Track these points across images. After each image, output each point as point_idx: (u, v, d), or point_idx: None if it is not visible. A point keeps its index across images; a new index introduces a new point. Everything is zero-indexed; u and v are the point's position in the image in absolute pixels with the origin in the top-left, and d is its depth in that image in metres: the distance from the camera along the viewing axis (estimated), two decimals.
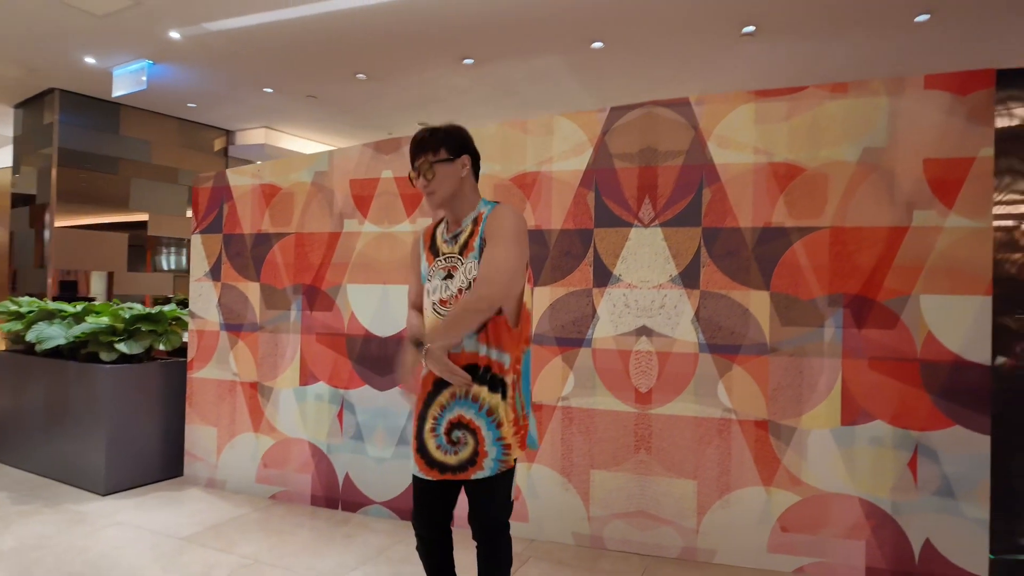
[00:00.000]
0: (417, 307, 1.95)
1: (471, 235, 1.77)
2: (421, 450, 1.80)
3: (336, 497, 3.32)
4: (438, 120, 2.10)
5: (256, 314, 3.54)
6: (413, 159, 1.82)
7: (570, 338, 2.94)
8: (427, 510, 1.85)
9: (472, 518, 1.82)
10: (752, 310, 2.74)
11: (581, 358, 2.93)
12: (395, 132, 6.01)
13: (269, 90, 4.72)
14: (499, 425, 1.74)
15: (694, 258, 2.80)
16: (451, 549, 1.92)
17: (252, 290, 3.56)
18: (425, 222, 3.18)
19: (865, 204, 2.63)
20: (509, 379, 1.76)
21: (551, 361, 2.96)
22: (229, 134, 6.34)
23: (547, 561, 2.74)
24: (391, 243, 3.25)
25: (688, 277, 2.80)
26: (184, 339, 3.90)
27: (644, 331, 2.85)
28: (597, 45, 3.85)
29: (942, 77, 2.57)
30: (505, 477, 1.79)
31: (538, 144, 3.01)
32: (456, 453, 1.75)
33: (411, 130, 6.17)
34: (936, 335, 2.55)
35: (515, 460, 1.80)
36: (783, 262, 2.71)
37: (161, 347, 3.76)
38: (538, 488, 2.98)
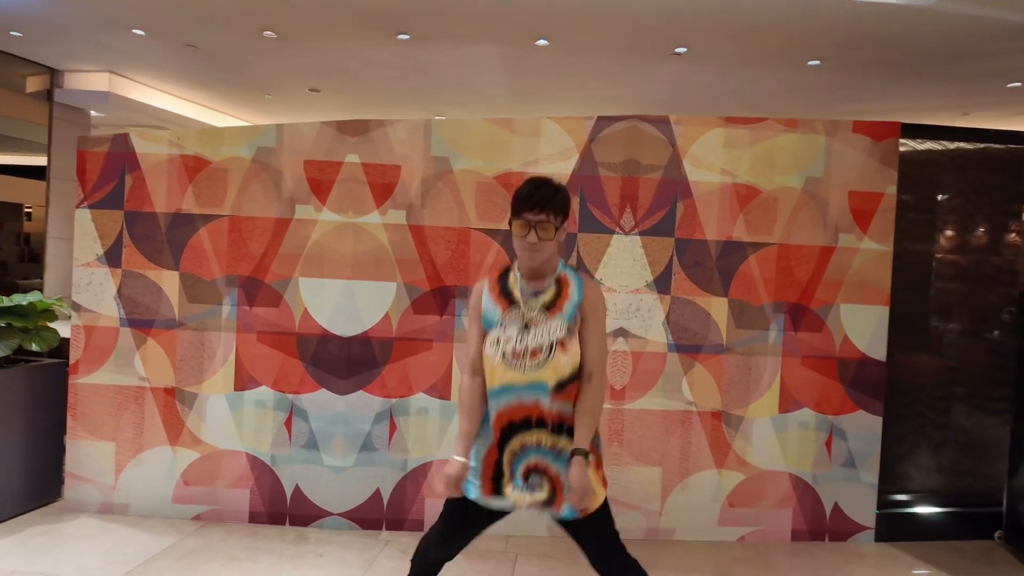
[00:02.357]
0: (477, 370, 1.86)
1: (558, 296, 1.80)
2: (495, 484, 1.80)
3: (283, 512, 3.02)
4: (331, 89, 2.03)
5: (174, 308, 3.02)
6: (531, 211, 1.73)
7: None
8: (456, 541, 1.88)
9: (593, 561, 1.85)
10: (713, 314, 3.07)
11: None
12: (274, 94, 5.37)
13: (140, 32, 3.87)
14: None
15: (667, 266, 3.04)
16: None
17: (168, 280, 3.02)
18: (398, 213, 2.99)
19: (805, 225, 3.09)
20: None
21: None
22: (54, 74, 5.04)
23: (534, 556, 2.83)
24: (356, 235, 2.99)
25: (661, 283, 3.04)
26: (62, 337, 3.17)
27: (621, 332, 3.03)
28: (542, 42, 3.88)
29: (865, 124, 3.11)
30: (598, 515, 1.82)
31: (525, 145, 3.00)
32: (533, 495, 1.77)
33: (294, 93, 5.57)
34: (850, 337, 3.12)
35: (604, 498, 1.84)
36: (740, 272, 3.07)
37: (34, 347, 3.02)
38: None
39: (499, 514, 1.85)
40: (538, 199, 1.74)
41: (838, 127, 3.09)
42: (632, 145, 3.01)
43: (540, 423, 1.76)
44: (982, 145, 3.39)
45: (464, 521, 1.86)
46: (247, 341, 3.00)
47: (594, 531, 1.82)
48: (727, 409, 3.08)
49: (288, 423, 3.00)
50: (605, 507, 1.82)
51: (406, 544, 2.87)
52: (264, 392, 3.00)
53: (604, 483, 1.84)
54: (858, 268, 3.11)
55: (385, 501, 3.01)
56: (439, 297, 3.00)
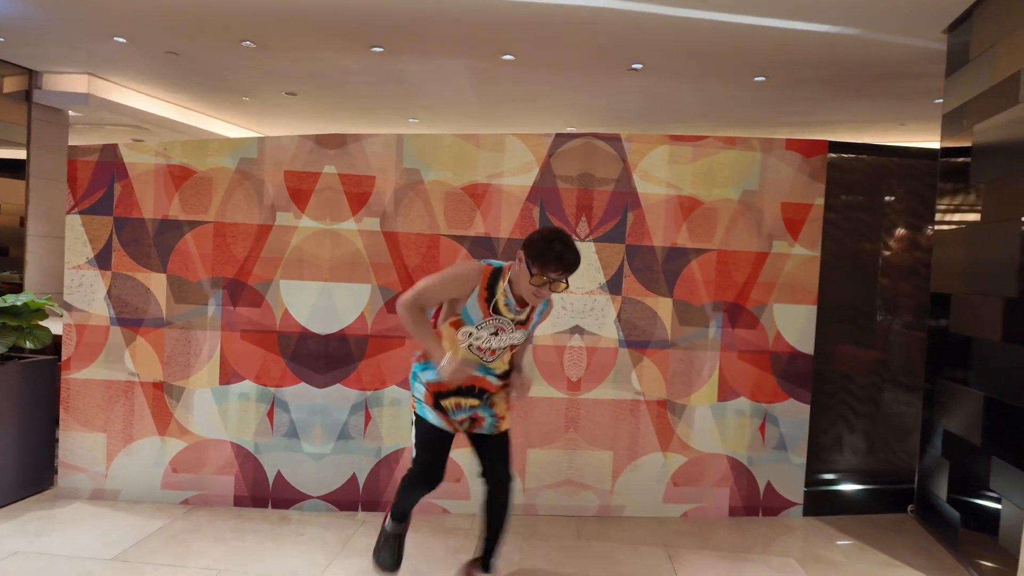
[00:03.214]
0: (423, 308, 2.26)
1: (528, 317, 2.27)
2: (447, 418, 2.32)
3: (265, 496, 3.27)
4: (307, 93, 2.35)
5: (161, 308, 3.24)
6: (556, 271, 2.08)
7: None
8: (445, 459, 2.34)
9: (487, 465, 2.42)
10: (659, 313, 3.40)
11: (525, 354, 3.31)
12: (252, 97, 5.54)
13: (121, 39, 4.00)
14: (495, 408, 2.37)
15: (618, 270, 3.36)
16: None
17: (156, 282, 3.24)
18: (372, 221, 3.24)
19: (742, 233, 3.42)
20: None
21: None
22: (33, 75, 5.11)
23: None
24: (334, 240, 3.24)
25: (613, 285, 3.36)
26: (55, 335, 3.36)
27: (577, 330, 3.34)
28: (508, 57, 4.15)
29: (796, 142, 3.46)
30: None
31: (490, 159, 3.27)
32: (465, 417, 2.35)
33: (272, 97, 5.73)
34: (782, 333, 3.47)
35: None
36: (683, 275, 3.40)
37: (28, 345, 3.21)
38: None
39: (451, 437, 2.35)
40: (567, 264, 2.09)
41: (772, 144, 3.43)
42: (587, 160, 3.31)
43: (480, 393, 2.28)
44: (904, 159, 3.76)
45: (441, 442, 2.32)
46: (231, 339, 3.23)
47: (500, 446, 2.36)
48: (671, 398, 3.41)
49: (270, 414, 3.25)
50: (508, 432, 2.39)
51: (379, 524, 3.15)
52: (247, 386, 3.24)
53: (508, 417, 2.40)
54: (789, 271, 3.46)
55: (361, 485, 3.28)
56: None
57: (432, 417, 2.28)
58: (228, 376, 3.24)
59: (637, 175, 3.34)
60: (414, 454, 2.35)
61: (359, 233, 3.24)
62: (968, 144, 3.18)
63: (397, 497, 2.39)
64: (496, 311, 2.18)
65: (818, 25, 3.63)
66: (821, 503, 3.56)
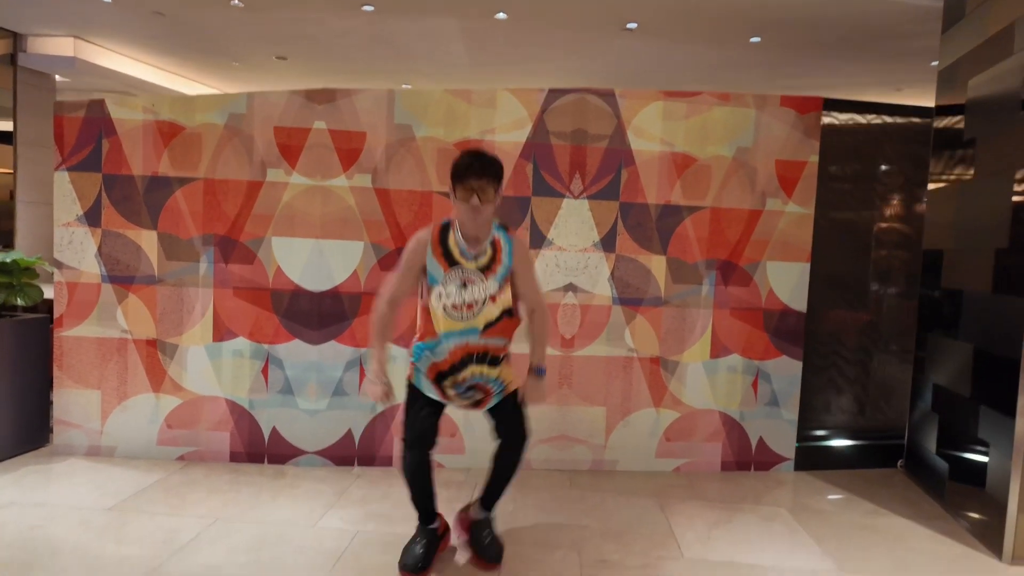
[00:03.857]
0: (394, 302, 2.28)
1: (493, 260, 2.19)
2: (441, 391, 2.26)
3: (261, 451, 3.29)
4: (297, 57, 2.32)
5: (153, 266, 3.22)
6: (473, 178, 2.07)
7: None
8: (431, 421, 2.29)
9: (499, 423, 2.37)
10: (653, 271, 3.40)
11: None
12: (241, 62, 5.45)
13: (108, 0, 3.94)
14: (499, 378, 2.29)
15: (612, 227, 3.35)
16: (432, 467, 2.35)
17: (147, 239, 3.22)
18: (363, 177, 3.22)
19: (735, 191, 3.42)
20: (508, 352, 2.33)
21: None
22: (18, 38, 5.01)
23: None
24: (324, 197, 3.22)
25: (607, 243, 3.35)
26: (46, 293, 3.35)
27: (571, 288, 3.35)
28: (501, 16, 4.09)
29: (791, 98, 3.43)
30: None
31: (482, 115, 3.24)
32: (471, 398, 2.28)
33: (261, 61, 5.66)
34: (775, 291, 3.49)
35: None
36: (677, 233, 3.40)
37: (19, 302, 3.19)
38: (474, 424, 3.34)
39: (443, 405, 2.32)
40: (479, 167, 2.07)
41: (766, 101, 3.41)
42: (580, 116, 3.29)
43: (478, 358, 2.20)
44: (899, 119, 3.75)
45: (432, 418, 2.29)
46: (224, 296, 3.23)
47: (512, 408, 2.32)
48: (664, 355, 3.44)
49: (264, 371, 3.26)
50: (518, 391, 2.34)
51: (376, 477, 3.19)
52: (241, 343, 3.24)
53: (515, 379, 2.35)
54: (783, 229, 3.46)
55: (356, 440, 3.30)
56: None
57: (427, 388, 2.25)
58: (221, 333, 3.24)
59: (631, 132, 3.32)
60: (405, 420, 2.30)
61: (350, 190, 3.22)
62: (962, 100, 3.16)
63: (406, 482, 2.31)
64: (453, 261, 2.15)
65: None
66: (812, 458, 3.61)
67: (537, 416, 3.35)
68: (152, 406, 3.26)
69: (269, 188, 3.20)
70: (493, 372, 2.23)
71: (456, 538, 2.52)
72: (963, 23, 3.21)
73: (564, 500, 3.02)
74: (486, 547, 2.37)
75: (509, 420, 2.32)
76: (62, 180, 3.18)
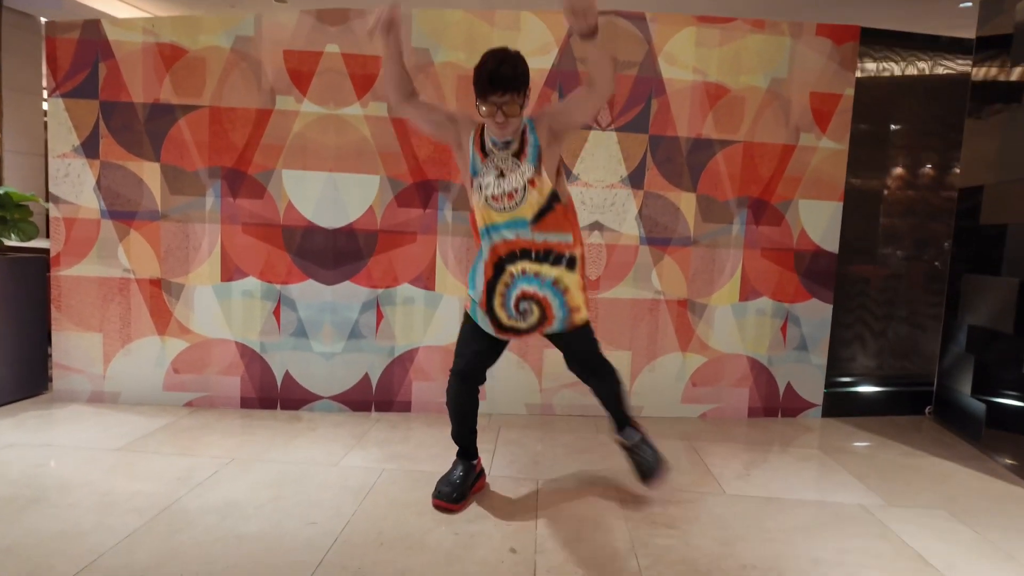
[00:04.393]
0: (412, 99, 2.14)
1: (522, 145, 2.01)
2: (494, 319, 2.07)
3: (274, 397, 3.15)
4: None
5: (156, 200, 3.04)
6: (494, 93, 1.88)
7: None
8: (481, 358, 2.15)
9: (570, 364, 2.18)
10: (682, 209, 3.25)
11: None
12: (239, 5, 5.17)
13: None
14: (565, 292, 2.02)
15: (640, 162, 3.19)
16: (478, 402, 2.24)
17: (149, 171, 3.02)
18: (379, 106, 3.03)
19: (769, 124, 3.26)
20: (575, 253, 2.05)
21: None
22: None
23: (514, 427, 3.04)
24: (338, 126, 3.03)
25: (635, 179, 3.19)
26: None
27: (597, 226, 3.20)
28: None
29: (827, 27, 3.26)
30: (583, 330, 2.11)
31: (504, 39, 3.05)
32: (525, 320, 2.06)
33: (258, 3, 5.37)
34: (807, 231, 3.35)
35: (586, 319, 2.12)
36: (708, 169, 3.24)
37: (13, 239, 3.00)
38: (495, 369, 3.20)
39: (496, 341, 2.15)
40: (501, 82, 1.87)
41: (802, 29, 3.24)
42: (609, 41, 3.10)
43: (524, 254, 2.01)
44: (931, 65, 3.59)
45: (484, 346, 2.14)
46: (232, 232, 3.05)
47: (579, 342, 2.13)
48: (692, 298, 3.30)
49: (276, 312, 3.10)
50: (588, 324, 2.15)
51: (395, 421, 3.05)
52: (251, 283, 3.08)
53: (588, 304, 2.12)
54: (816, 166, 3.32)
55: (374, 385, 3.16)
56: (422, 191, 3.09)
57: (481, 319, 2.10)
58: (230, 272, 3.07)
59: (662, 59, 3.14)
60: (456, 348, 2.18)
61: (365, 119, 3.04)
62: (1009, 29, 3.00)
63: (449, 413, 2.23)
64: (487, 152, 2.02)
65: None
66: (839, 405, 3.51)
67: (561, 361, 3.22)
68: (158, 350, 3.09)
69: (279, 117, 3.01)
70: (552, 272, 2.01)
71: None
72: None
73: (593, 443, 2.90)
74: (642, 464, 2.26)
75: (584, 356, 2.17)
76: (56, 108, 2.97)
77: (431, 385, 3.18)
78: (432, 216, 3.10)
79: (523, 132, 2.02)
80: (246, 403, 3.14)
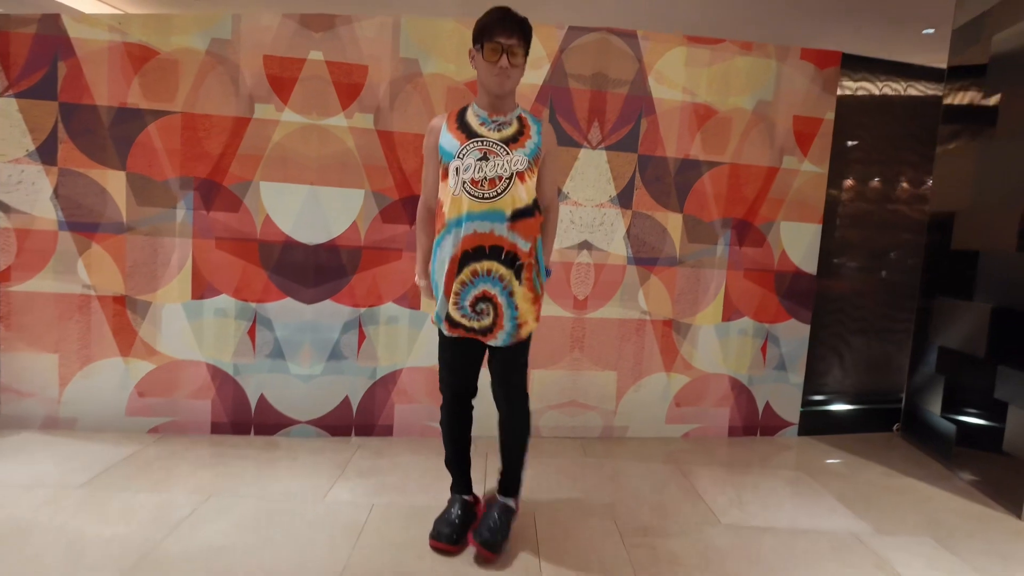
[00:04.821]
0: (431, 208, 2.01)
1: (521, 133, 1.91)
2: (448, 318, 1.97)
3: (248, 421, 2.98)
4: None
5: (121, 212, 2.83)
6: (503, 35, 1.81)
7: None
8: (466, 370, 2.05)
9: (497, 384, 2.08)
10: (669, 229, 3.25)
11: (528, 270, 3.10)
12: None
13: None
14: (516, 305, 1.94)
15: (630, 181, 3.16)
16: (471, 421, 2.15)
17: (114, 180, 2.81)
18: (365, 117, 2.90)
19: (754, 146, 3.29)
20: (529, 262, 1.96)
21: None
22: None
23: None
24: (321, 137, 2.89)
25: (624, 198, 3.17)
26: None
27: (585, 245, 3.15)
28: None
29: (811, 51, 3.31)
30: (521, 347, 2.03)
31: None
32: (479, 320, 1.95)
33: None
34: (788, 253, 3.40)
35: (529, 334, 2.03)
36: (695, 189, 3.25)
37: None
38: (481, 389, 3.13)
39: (471, 346, 2.02)
40: (509, 23, 1.82)
41: (788, 53, 3.28)
42: (601, 58, 3.06)
43: (494, 252, 1.87)
44: (904, 85, 3.69)
45: (458, 350, 2.03)
46: (205, 247, 2.87)
47: (515, 356, 2.01)
48: (677, 317, 3.30)
49: (251, 332, 2.93)
50: (529, 339, 2.04)
51: (378, 447, 2.94)
52: (225, 300, 2.90)
53: (537, 318, 2.02)
54: (798, 188, 3.36)
55: (355, 408, 3.04)
56: (409, 206, 2.98)
57: (443, 326, 1.99)
58: (202, 289, 2.88)
59: (652, 78, 3.12)
60: (440, 374, 2.13)
61: (350, 130, 2.90)
62: (984, 59, 3.11)
63: (443, 436, 2.16)
64: (471, 133, 1.88)
65: None
66: (813, 423, 3.58)
67: (548, 382, 3.18)
68: (120, 372, 2.88)
69: (257, 125, 2.84)
70: (512, 281, 1.90)
71: None
72: None
73: (583, 467, 2.86)
74: (494, 532, 2.01)
75: (510, 373, 2.01)
76: (9, 108, 2.73)
77: (414, 408, 3.07)
78: None
79: (525, 123, 1.94)
80: (217, 428, 2.96)
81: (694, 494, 2.65)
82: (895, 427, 3.70)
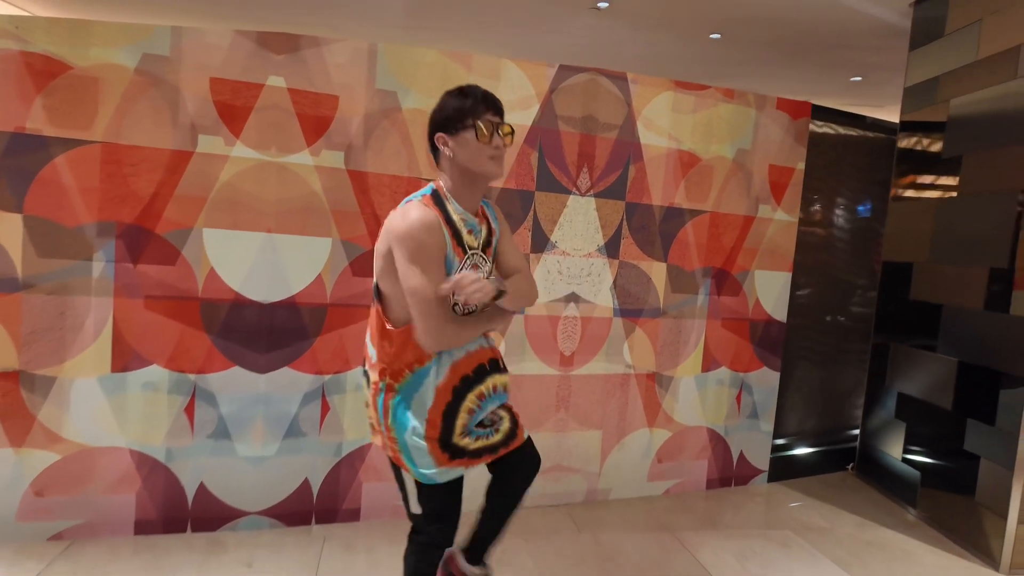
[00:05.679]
0: (443, 303, 1.55)
1: (489, 233, 1.66)
2: (453, 451, 1.57)
3: (182, 516, 2.46)
4: None
5: (15, 264, 2.23)
6: (490, 112, 1.54)
7: None
8: (457, 511, 1.66)
9: (514, 481, 1.78)
10: (653, 279, 3.10)
11: (513, 325, 2.84)
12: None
13: None
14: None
15: (617, 230, 2.99)
16: None
17: (7, 226, 2.21)
18: (334, 155, 2.50)
19: (733, 195, 3.23)
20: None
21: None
22: None
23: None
24: (281, 177, 2.46)
25: (611, 247, 2.98)
26: None
27: (573, 297, 2.93)
28: None
29: (786, 101, 3.31)
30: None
31: (482, 86, 2.67)
32: (497, 429, 1.66)
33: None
34: (760, 300, 3.37)
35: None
36: (678, 238, 3.13)
37: None
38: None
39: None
40: (493, 99, 1.55)
41: (765, 102, 3.25)
42: (591, 100, 2.86)
43: (494, 366, 1.64)
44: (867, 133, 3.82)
45: (458, 498, 1.65)
46: (130, 308, 2.33)
47: (533, 451, 1.77)
48: (660, 370, 3.16)
49: (189, 409, 2.42)
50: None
51: (347, 537, 2.53)
52: (155, 372, 2.38)
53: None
54: (771, 237, 3.35)
55: (315, 492, 2.60)
56: None
57: (445, 473, 1.56)
58: (125, 359, 2.34)
59: (641, 123, 2.96)
60: (419, 516, 1.62)
61: (316, 170, 2.49)
62: (942, 118, 3.24)
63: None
64: (464, 246, 1.56)
65: None
66: (782, 468, 3.59)
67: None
68: (10, 466, 2.27)
69: (201, 161, 2.36)
70: (506, 379, 1.68)
71: None
72: (942, 42, 3.28)
73: (579, 544, 2.63)
74: None
75: (532, 473, 1.77)
76: None
77: (385, 486, 2.69)
78: None
79: (486, 216, 1.66)
80: (143, 527, 2.42)
81: (698, 566, 2.50)
82: (850, 467, 3.80)
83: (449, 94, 1.56)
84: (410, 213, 1.48)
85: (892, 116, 3.96)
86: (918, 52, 3.47)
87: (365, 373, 1.66)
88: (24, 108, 2.18)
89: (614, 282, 3.00)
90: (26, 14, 4.52)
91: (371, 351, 1.61)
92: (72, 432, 2.31)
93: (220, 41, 2.34)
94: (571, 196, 2.87)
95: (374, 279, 1.59)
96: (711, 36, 4.20)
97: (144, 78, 2.27)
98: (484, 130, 1.50)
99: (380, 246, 1.56)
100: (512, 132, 1.58)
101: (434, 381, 1.54)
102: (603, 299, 2.99)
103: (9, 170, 2.19)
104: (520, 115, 2.74)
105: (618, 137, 2.92)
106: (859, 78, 4.85)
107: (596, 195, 2.91)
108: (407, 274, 1.47)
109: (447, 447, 1.54)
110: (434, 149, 1.58)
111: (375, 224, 2.58)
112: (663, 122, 3.01)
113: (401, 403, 1.54)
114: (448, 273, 1.52)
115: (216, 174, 2.37)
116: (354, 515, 2.67)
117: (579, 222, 2.89)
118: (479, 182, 1.57)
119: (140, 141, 2.29)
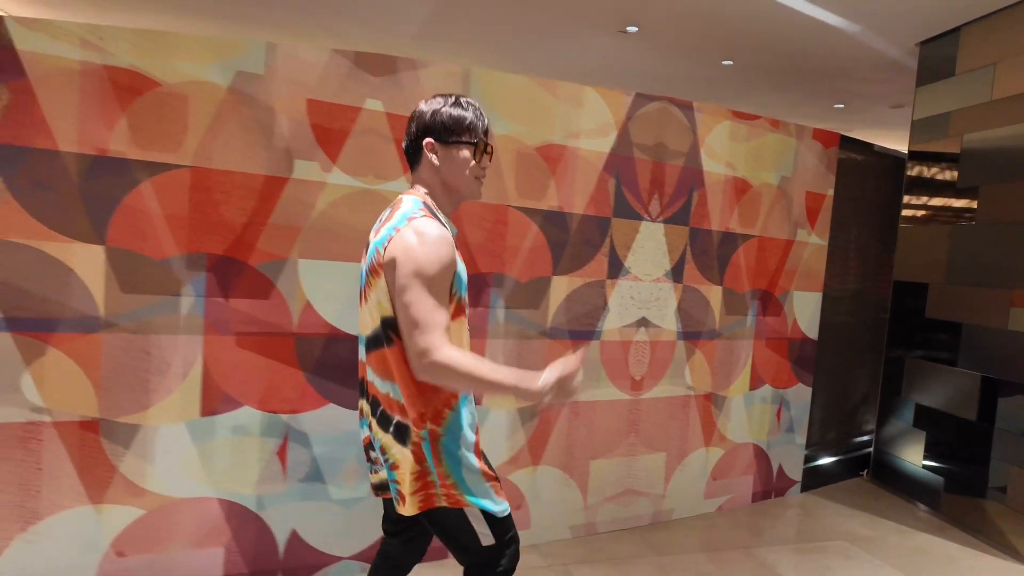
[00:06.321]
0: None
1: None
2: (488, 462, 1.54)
3: (272, 568, 2.29)
4: None
5: (95, 301, 2.01)
6: (487, 135, 1.51)
7: (582, 331, 2.80)
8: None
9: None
10: (711, 302, 3.18)
11: (590, 351, 2.83)
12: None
13: None
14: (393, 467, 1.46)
15: (681, 255, 3.04)
16: None
17: (86, 257, 1.99)
18: None
19: (777, 220, 3.37)
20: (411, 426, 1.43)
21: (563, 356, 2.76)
22: None
23: (575, 561, 2.65)
24: (376, 205, 2.34)
25: (676, 272, 3.04)
26: None
27: (643, 322, 2.96)
28: None
29: (820, 131, 3.49)
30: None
31: (567, 114, 2.66)
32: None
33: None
34: (798, 320, 3.53)
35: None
36: (732, 262, 3.23)
37: None
38: (541, 490, 2.77)
39: None
40: (487, 119, 1.53)
41: (803, 132, 3.41)
42: (663, 128, 2.90)
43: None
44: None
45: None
46: (221, 345, 2.15)
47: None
48: (715, 391, 3.24)
49: (282, 452, 2.26)
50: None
51: (440, 574, 2.43)
52: (247, 415, 2.20)
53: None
54: (806, 259, 3.51)
55: None
56: (472, 286, 2.53)
57: (501, 503, 1.48)
58: (215, 402, 2.16)
59: (704, 151, 3.04)
60: (492, 547, 1.48)
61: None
62: (955, 150, 3.51)
63: None
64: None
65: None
66: (812, 478, 3.76)
67: (605, 472, 2.92)
68: (90, 525, 2.04)
69: (297, 188, 2.21)
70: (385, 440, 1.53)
71: None
72: (953, 81, 3.56)
73: (668, 569, 2.65)
74: None
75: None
76: None
77: None
78: (483, 315, 2.56)
79: None
80: None
81: None
82: (864, 473, 4.03)
83: (445, 100, 1.47)
84: (427, 230, 1.36)
85: (866, 139, 4.19)
86: (926, 88, 3.75)
87: (384, 424, 1.44)
88: (107, 128, 1.97)
89: (678, 306, 3.05)
90: (1, 13, 4.09)
91: (395, 395, 1.41)
92: (156, 484, 2.10)
93: (315, 59, 2.20)
94: (643, 222, 2.89)
95: (379, 317, 1.41)
96: (723, 63, 4.36)
97: (236, 97, 2.11)
98: (485, 151, 1.48)
99: (396, 278, 1.36)
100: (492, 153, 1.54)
101: (471, 409, 1.49)
102: (668, 323, 3.03)
103: (90, 197, 1.97)
104: (599, 142, 2.74)
105: (684, 164, 2.98)
106: (842, 105, 5.15)
107: (664, 221, 2.96)
108: (418, 297, 1.33)
109: (492, 469, 1.51)
110: (415, 152, 1.48)
111: (466, 253, 2.50)
112: (722, 150, 3.10)
113: (450, 443, 1.42)
114: (462, 283, 1.45)
115: (312, 202, 2.23)
116: (442, 553, 2.56)
117: (650, 247, 2.93)
118: (455, 198, 1.51)
119: (232, 166, 2.12)
